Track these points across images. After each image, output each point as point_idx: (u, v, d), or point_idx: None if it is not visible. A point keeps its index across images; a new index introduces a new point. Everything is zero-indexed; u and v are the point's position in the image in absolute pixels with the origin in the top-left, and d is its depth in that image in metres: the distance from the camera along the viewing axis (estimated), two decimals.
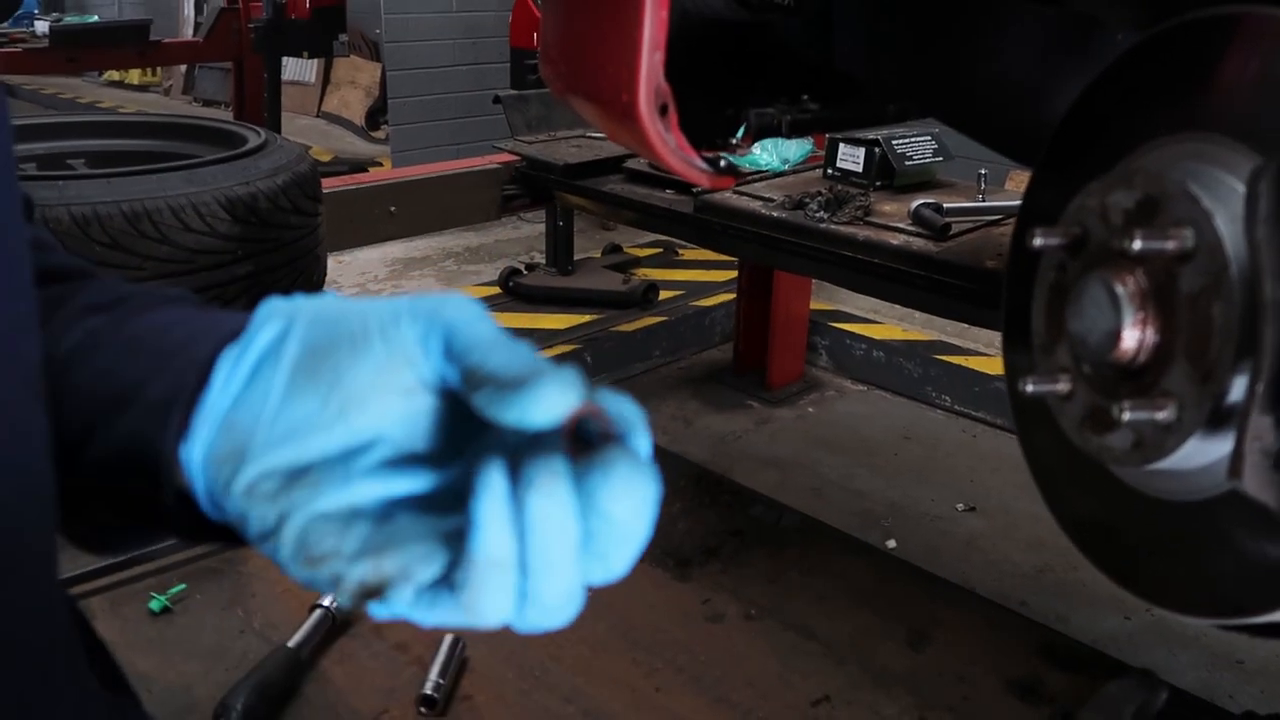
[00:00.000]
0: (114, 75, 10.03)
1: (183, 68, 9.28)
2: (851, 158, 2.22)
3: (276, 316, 0.45)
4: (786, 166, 2.40)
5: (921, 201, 1.96)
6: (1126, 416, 0.71)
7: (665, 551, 1.58)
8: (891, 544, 2.51)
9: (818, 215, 2.00)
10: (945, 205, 1.94)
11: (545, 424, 0.40)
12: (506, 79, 4.68)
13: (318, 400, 0.43)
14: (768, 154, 2.41)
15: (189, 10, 9.53)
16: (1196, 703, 1.26)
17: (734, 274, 3.54)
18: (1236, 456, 0.65)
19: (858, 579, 1.55)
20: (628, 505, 0.40)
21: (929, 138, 2.25)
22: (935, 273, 1.79)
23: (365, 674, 1.39)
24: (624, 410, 0.42)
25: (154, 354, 0.47)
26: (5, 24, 6.61)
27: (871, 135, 2.21)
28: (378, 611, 0.42)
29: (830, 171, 2.26)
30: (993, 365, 3.25)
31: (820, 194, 2.06)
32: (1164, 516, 0.78)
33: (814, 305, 3.51)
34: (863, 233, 1.93)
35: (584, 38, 1.18)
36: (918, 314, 3.28)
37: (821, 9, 1.35)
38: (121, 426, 0.46)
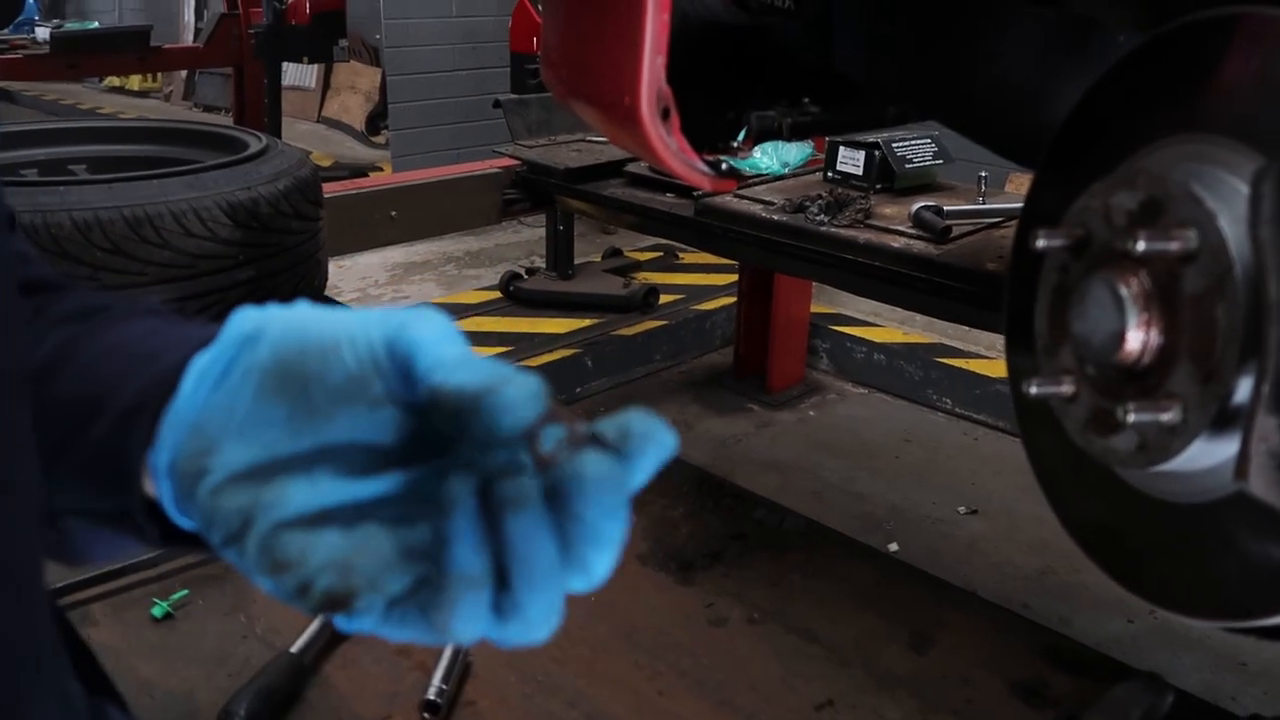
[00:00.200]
0: (114, 81, 10.04)
1: (183, 73, 9.29)
2: (852, 161, 2.22)
3: (248, 325, 0.45)
4: (786, 170, 2.40)
5: (922, 204, 1.96)
6: (1131, 418, 0.71)
7: (668, 555, 1.58)
8: (893, 547, 2.50)
9: (818, 218, 2.00)
10: (946, 208, 1.94)
11: (512, 430, 0.40)
12: (507, 83, 4.69)
13: (285, 409, 0.43)
14: (768, 157, 2.41)
15: (189, 16, 9.54)
16: (1203, 706, 1.26)
17: (734, 277, 3.54)
18: (1242, 458, 0.65)
19: (861, 582, 1.55)
20: (600, 508, 0.40)
21: (929, 140, 2.25)
22: (936, 275, 1.79)
23: (368, 679, 1.39)
24: (635, 425, 0.41)
25: (125, 363, 0.48)
26: (6, 30, 6.62)
27: (871, 138, 2.21)
28: (345, 625, 0.41)
29: (830, 174, 2.26)
30: (994, 368, 3.25)
31: (820, 197, 2.06)
32: (1169, 519, 0.78)
33: (814, 308, 3.51)
34: (863, 236, 1.93)
35: (585, 42, 1.18)
36: (918, 317, 3.27)
37: (821, 12, 1.36)
38: (92, 435, 0.47)
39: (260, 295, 1.89)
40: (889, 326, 3.61)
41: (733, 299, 3.57)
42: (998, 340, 2.83)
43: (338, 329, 0.44)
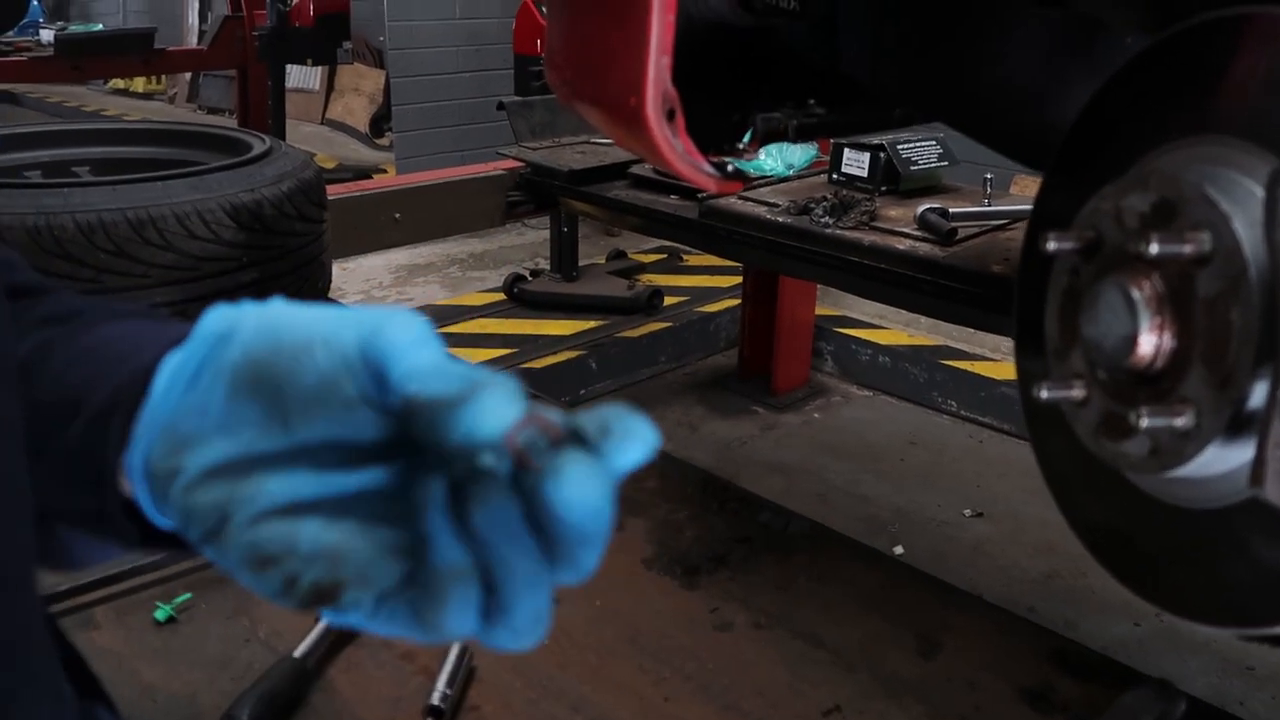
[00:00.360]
0: (119, 83, 10.05)
1: (187, 75, 9.30)
2: (857, 163, 2.21)
3: (220, 323, 0.45)
4: (791, 171, 2.40)
5: (927, 206, 1.95)
6: (1143, 423, 0.70)
7: (673, 559, 1.57)
8: (899, 550, 2.50)
9: (823, 220, 2.00)
10: (951, 210, 1.93)
11: (489, 436, 0.39)
12: (510, 85, 4.69)
13: (259, 409, 0.42)
14: (773, 159, 2.40)
15: (193, 18, 9.56)
16: (1214, 712, 1.25)
17: (739, 279, 3.54)
18: (1258, 464, 0.64)
19: (866, 585, 1.54)
20: (581, 508, 0.39)
21: (934, 142, 2.24)
22: (941, 278, 1.78)
23: (371, 684, 1.38)
24: (615, 422, 0.41)
25: (101, 364, 0.48)
26: (11, 32, 6.63)
27: (876, 140, 2.20)
28: (333, 618, 0.41)
29: (835, 176, 2.26)
30: (999, 370, 3.24)
31: (825, 199, 2.05)
32: (1182, 524, 0.77)
33: (819, 310, 3.50)
34: (868, 238, 1.92)
35: (590, 43, 1.17)
36: (924, 319, 3.27)
37: (826, 14, 1.35)
38: (69, 437, 0.47)
39: (263, 297, 1.88)
40: (894, 329, 3.61)
41: (737, 301, 3.56)
42: (1003, 342, 2.82)
43: (311, 329, 0.43)
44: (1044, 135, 1.13)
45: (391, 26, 5.45)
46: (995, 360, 3.30)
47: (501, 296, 3.91)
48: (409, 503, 0.42)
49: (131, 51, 5.59)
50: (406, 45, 5.46)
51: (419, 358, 0.42)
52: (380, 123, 7.26)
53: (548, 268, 4.00)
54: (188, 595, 1.53)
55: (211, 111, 8.91)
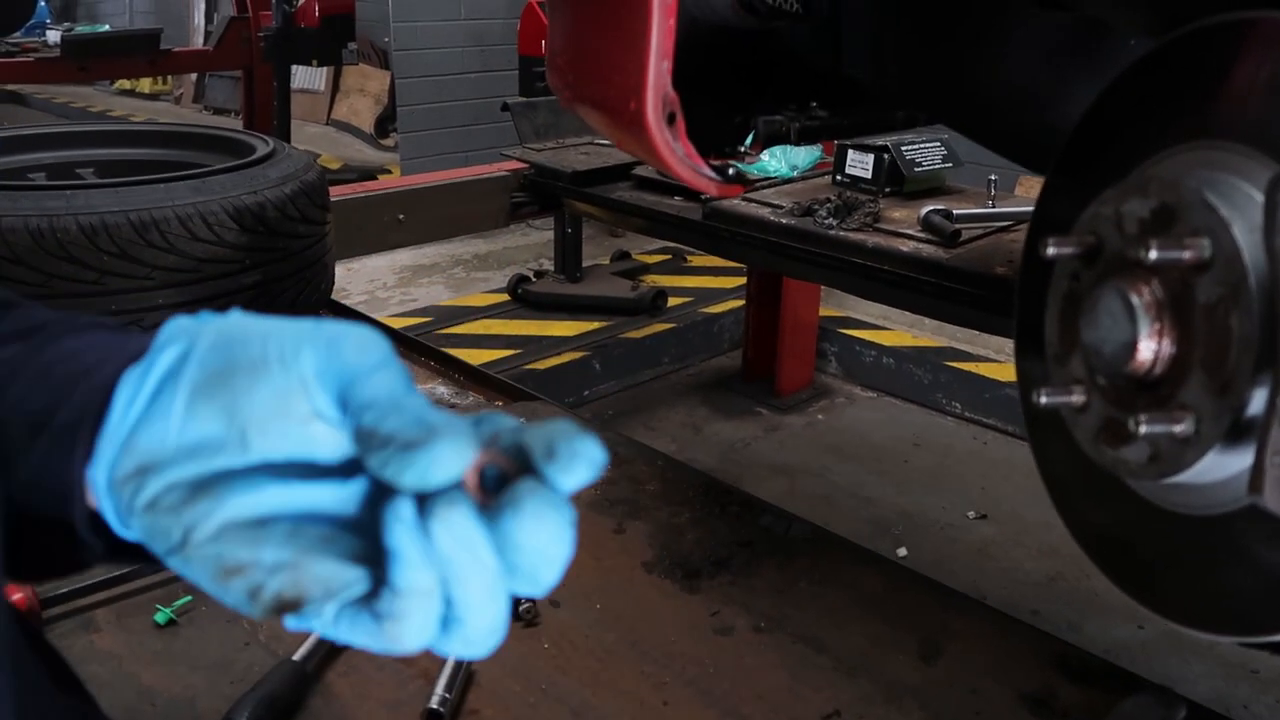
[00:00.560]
0: (125, 84, 10.09)
1: (193, 76, 9.33)
2: (860, 164, 2.21)
3: (179, 338, 0.45)
4: (795, 173, 2.39)
5: (931, 208, 1.95)
6: (1143, 429, 0.70)
7: (674, 563, 1.57)
8: (902, 552, 2.49)
9: (827, 222, 1.99)
10: (955, 211, 1.93)
11: (442, 485, 0.41)
12: (515, 86, 4.69)
13: (217, 423, 0.43)
14: (776, 160, 2.40)
15: (199, 19, 9.58)
16: (1215, 718, 1.24)
17: (743, 281, 3.54)
18: (1257, 471, 0.64)
19: (868, 588, 1.54)
20: (542, 537, 0.41)
21: (938, 144, 2.24)
22: (945, 279, 1.78)
23: (371, 687, 1.38)
24: (562, 444, 0.42)
25: (63, 380, 0.48)
26: (18, 34, 6.65)
27: (880, 141, 2.20)
28: (293, 624, 0.42)
29: (839, 178, 2.25)
30: (1003, 371, 3.23)
31: (829, 200, 2.05)
32: (1181, 531, 0.77)
33: (823, 312, 3.50)
34: (872, 239, 1.92)
35: (591, 46, 1.17)
36: (927, 320, 3.26)
37: (828, 16, 1.35)
38: (34, 454, 0.47)
39: (266, 299, 1.89)
40: (898, 330, 3.60)
41: (741, 302, 3.56)
42: (1007, 344, 2.82)
43: (268, 342, 0.44)
44: (1046, 138, 1.13)
45: (397, 27, 5.47)
46: (999, 362, 3.29)
47: (506, 297, 3.92)
48: (372, 515, 0.43)
49: (137, 52, 5.61)
50: (411, 46, 5.47)
51: (376, 385, 0.43)
52: (385, 123, 7.27)
53: (552, 269, 4.00)
54: (188, 598, 1.53)
55: (217, 112, 8.94)
